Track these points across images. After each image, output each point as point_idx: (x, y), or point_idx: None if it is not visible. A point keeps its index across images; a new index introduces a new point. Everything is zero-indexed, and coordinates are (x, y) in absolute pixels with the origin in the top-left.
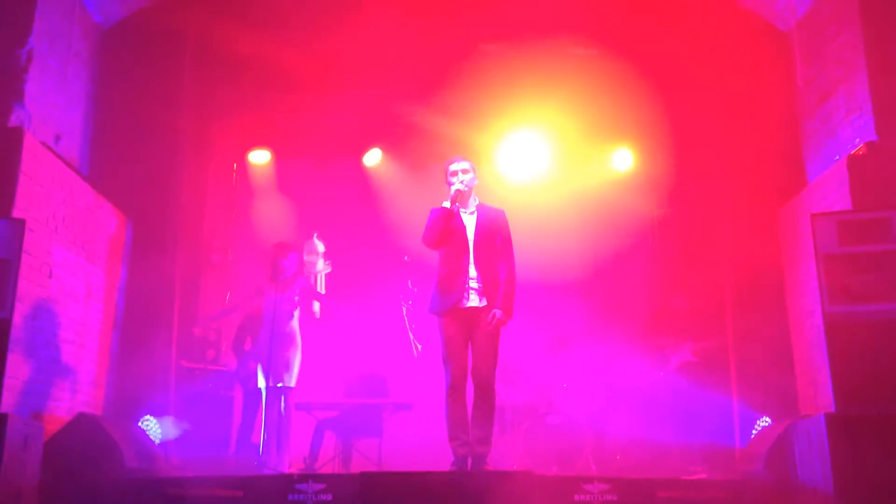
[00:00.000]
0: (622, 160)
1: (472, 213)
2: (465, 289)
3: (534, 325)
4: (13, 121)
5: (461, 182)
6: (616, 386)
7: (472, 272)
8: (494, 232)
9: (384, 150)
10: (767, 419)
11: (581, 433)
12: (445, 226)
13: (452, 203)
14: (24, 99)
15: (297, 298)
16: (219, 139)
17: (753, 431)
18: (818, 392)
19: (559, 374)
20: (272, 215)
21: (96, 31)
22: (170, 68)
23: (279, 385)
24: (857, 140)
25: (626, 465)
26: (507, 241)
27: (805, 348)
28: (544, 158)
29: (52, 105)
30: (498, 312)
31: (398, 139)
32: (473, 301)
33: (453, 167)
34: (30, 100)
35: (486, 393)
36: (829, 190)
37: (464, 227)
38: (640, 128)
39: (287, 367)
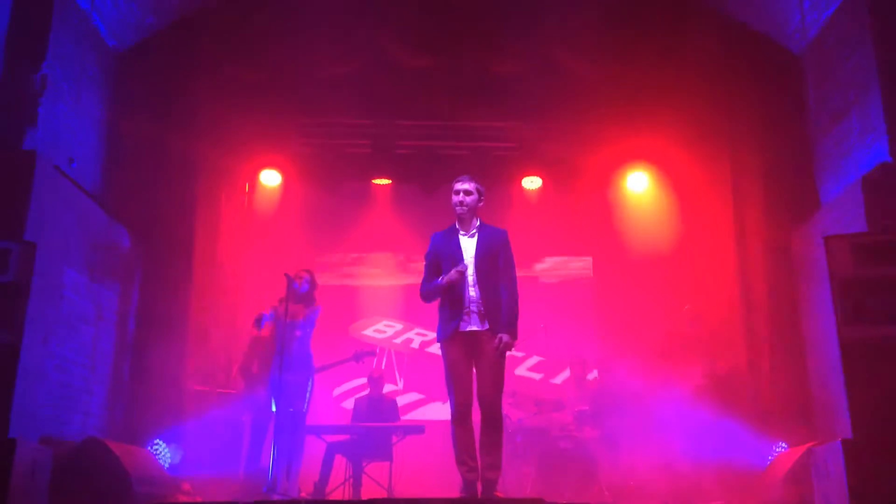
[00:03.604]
0: (637, 182)
1: (472, 235)
2: (465, 313)
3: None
4: (26, 144)
5: (461, 202)
6: (631, 410)
7: (473, 295)
8: (495, 253)
9: (394, 175)
10: (784, 444)
11: (594, 458)
12: (440, 294)
13: (447, 283)
14: (38, 122)
15: (309, 329)
16: (231, 162)
17: (770, 457)
18: (835, 417)
19: (576, 397)
20: (285, 237)
21: (110, 55)
22: (183, 92)
23: (290, 409)
24: (872, 161)
25: (640, 492)
26: (508, 261)
27: (821, 373)
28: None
29: (66, 128)
30: (504, 337)
31: (408, 164)
32: (474, 325)
33: (457, 186)
34: (43, 123)
35: (492, 418)
36: (843, 212)
37: (462, 252)
38: (652, 152)
39: (298, 391)
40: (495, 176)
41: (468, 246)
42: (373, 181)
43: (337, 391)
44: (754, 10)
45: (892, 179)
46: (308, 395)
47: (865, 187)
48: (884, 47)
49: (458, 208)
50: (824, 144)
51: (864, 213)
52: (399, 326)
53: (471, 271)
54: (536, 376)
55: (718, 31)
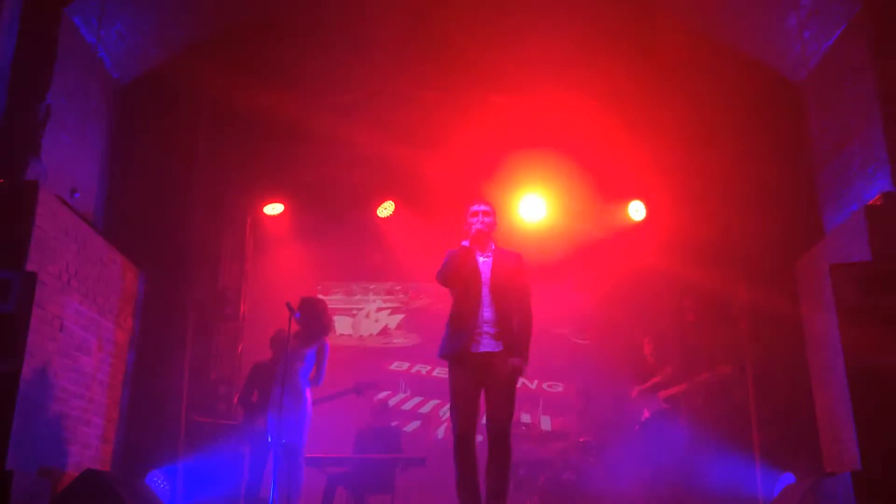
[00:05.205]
0: (636, 212)
1: (488, 256)
2: (478, 333)
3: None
4: (29, 175)
5: (481, 223)
6: (634, 439)
7: (487, 316)
8: (511, 275)
9: (396, 201)
10: (791, 476)
11: (597, 490)
12: (461, 263)
13: (472, 242)
14: (41, 153)
15: (311, 362)
16: (233, 192)
17: (777, 488)
18: (843, 448)
19: (577, 428)
20: (286, 268)
21: (114, 86)
22: (185, 123)
23: (283, 441)
24: (874, 190)
25: None
26: (524, 284)
27: (828, 403)
28: (554, 211)
29: (69, 159)
30: (515, 362)
31: (410, 191)
32: (488, 346)
33: (475, 208)
34: (46, 154)
35: (501, 443)
36: (847, 241)
37: (479, 271)
38: (653, 181)
39: (297, 421)
40: (496, 204)
41: (483, 267)
42: (376, 210)
43: None
44: (754, 40)
45: (894, 208)
46: (305, 425)
47: (868, 216)
48: (884, 77)
49: (479, 227)
50: (826, 173)
51: (867, 241)
52: None
53: (486, 293)
54: None
55: (718, 61)
